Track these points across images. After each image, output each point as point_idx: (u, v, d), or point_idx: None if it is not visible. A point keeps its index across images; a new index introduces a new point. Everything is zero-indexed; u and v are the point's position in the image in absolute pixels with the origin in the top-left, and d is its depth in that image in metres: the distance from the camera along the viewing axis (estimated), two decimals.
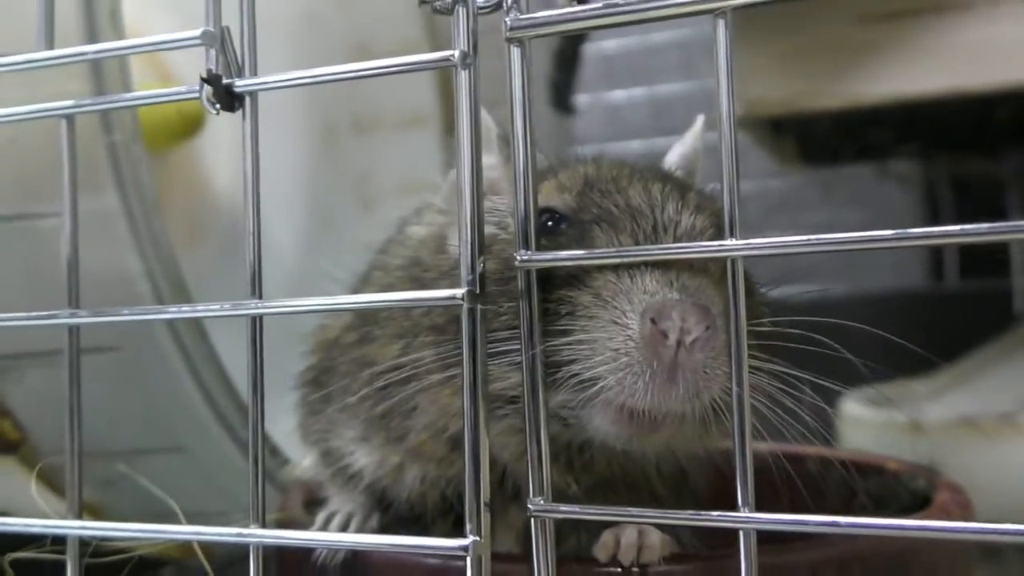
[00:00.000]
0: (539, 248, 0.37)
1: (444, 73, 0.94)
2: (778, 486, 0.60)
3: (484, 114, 0.44)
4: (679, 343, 0.36)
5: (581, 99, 1.55)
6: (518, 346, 0.37)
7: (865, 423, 1.05)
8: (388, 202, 1.13)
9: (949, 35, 0.96)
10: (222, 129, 0.93)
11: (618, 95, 1.70)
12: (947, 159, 1.49)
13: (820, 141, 1.27)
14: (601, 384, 0.38)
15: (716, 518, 0.33)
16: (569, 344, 0.38)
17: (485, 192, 0.43)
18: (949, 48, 0.97)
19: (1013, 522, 0.30)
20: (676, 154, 0.51)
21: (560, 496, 0.42)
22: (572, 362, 0.38)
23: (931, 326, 1.37)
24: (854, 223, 1.61)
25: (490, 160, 0.46)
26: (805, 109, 1.06)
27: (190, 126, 0.85)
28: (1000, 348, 1.19)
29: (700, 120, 0.52)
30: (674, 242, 0.40)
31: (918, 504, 0.52)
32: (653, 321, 0.36)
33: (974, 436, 0.97)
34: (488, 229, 0.43)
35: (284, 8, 1.07)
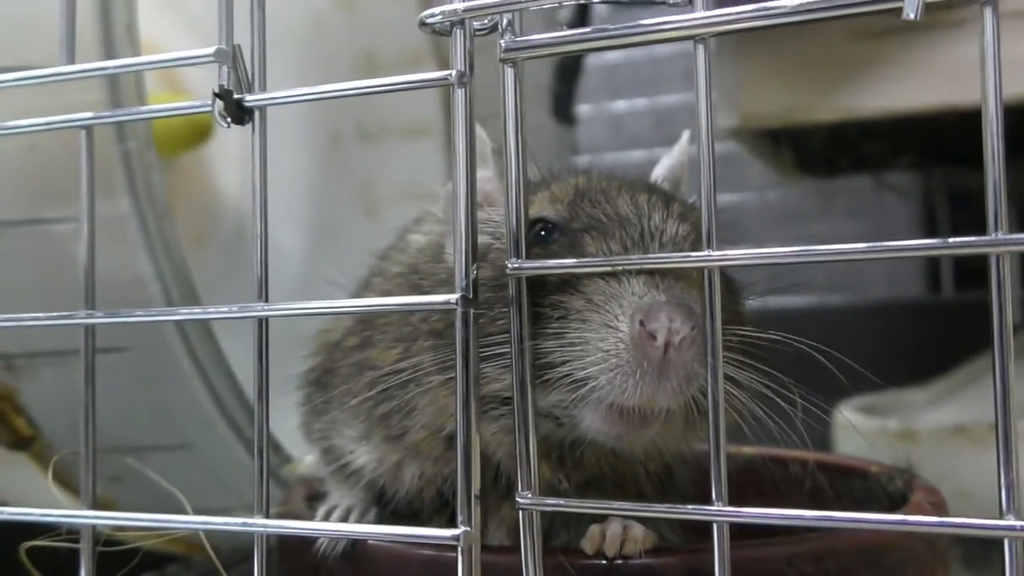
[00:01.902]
0: (533, 256, 0.39)
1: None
2: (767, 489, 0.62)
3: (480, 130, 0.46)
4: (667, 343, 0.38)
5: (583, 109, 1.57)
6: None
7: (859, 430, 1.07)
8: (391, 209, 1.15)
9: (941, 51, 0.98)
10: (230, 135, 0.96)
11: (620, 105, 1.72)
12: (943, 171, 1.51)
13: (817, 153, 1.29)
14: (593, 384, 0.40)
15: (691, 511, 0.35)
16: (562, 346, 0.40)
17: (480, 203, 0.46)
18: (941, 64, 0.99)
19: None
20: (663, 167, 0.54)
21: (551, 492, 0.45)
22: (565, 363, 0.40)
23: (927, 336, 1.39)
24: (852, 233, 1.63)
25: (485, 173, 0.48)
26: (801, 122, 1.09)
27: (199, 134, 0.88)
28: None
29: (686, 135, 0.54)
30: (659, 249, 0.42)
31: (896, 504, 0.54)
32: (642, 323, 0.38)
33: (966, 444, 0.99)
34: (483, 239, 0.45)
35: (292, 17, 1.09)
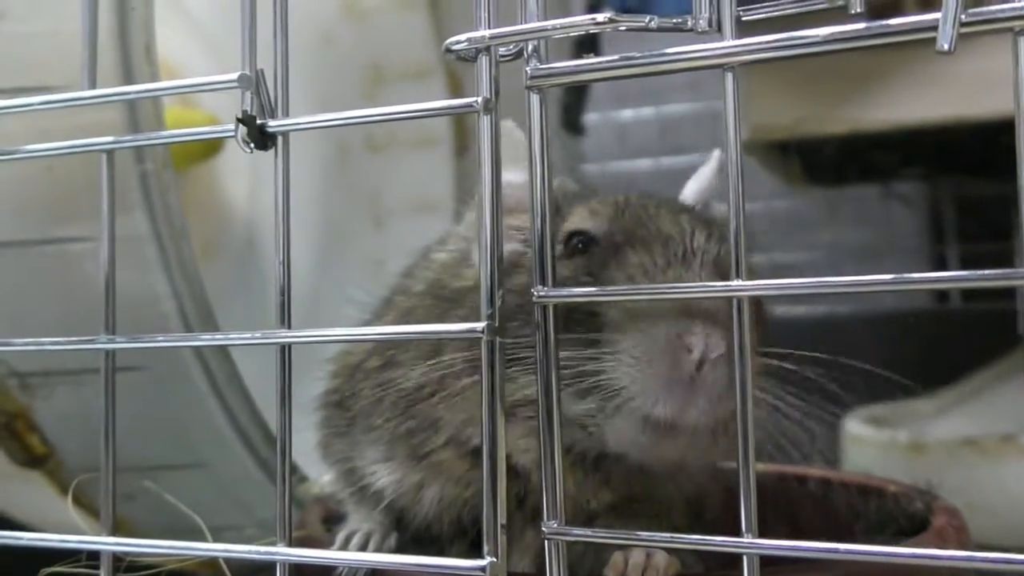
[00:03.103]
0: (567, 268, 0.41)
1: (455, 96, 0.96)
2: (782, 506, 0.62)
3: (513, 126, 0.46)
4: (702, 359, 0.38)
5: (590, 118, 1.57)
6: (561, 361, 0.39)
7: (867, 442, 1.07)
8: (399, 220, 1.15)
9: (952, 64, 0.98)
10: (239, 149, 0.95)
11: (626, 114, 1.72)
12: (951, 181, 1.51)
13: (826, 163, 1.29)
14: (625, 393, 0.40)
15: (720, 543, 0.34)
16: (597, 354, 0.40)
17: (513, 209, 0.46)
18: (952, 77, 0.99)
19: (1014, 542, 0.32)
20: (692, 190, 0.53)
21: (580, 512, 0.45)
22: (598, 373, 0.40)
23: (935, 346, 1.39)
24: (859, 242, 1.62)
25: (517, 178, 0.46)
26: (811, 134, 1.08)
27: (210, 148, 0.88)
28: (1003, 369, 1.20)
29: (715, 157, 0.54)
30: (701, 268, 0.42)
31: (916, 527, 0.54)
32: (679, 336, 0.39)
33: (976, 456, 0.98)
34: (515, 246, 0.46)
35: (301, 29, 1.09)
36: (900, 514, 0.57)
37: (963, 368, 1.22)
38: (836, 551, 0.32)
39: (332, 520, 0.56)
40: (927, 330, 1.46)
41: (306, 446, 0.59)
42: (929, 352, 1.39)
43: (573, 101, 1.30)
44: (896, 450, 1.04)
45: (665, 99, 1.68)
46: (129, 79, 0.57)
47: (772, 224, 1.57)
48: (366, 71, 1.13)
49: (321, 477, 0.63)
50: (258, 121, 0.40)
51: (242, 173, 1.06)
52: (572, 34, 0.37)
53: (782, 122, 1.08)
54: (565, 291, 0.38)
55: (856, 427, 1.09)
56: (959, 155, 1.28)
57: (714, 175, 0.53)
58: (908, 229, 1.60)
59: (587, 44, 1.01)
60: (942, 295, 1.52)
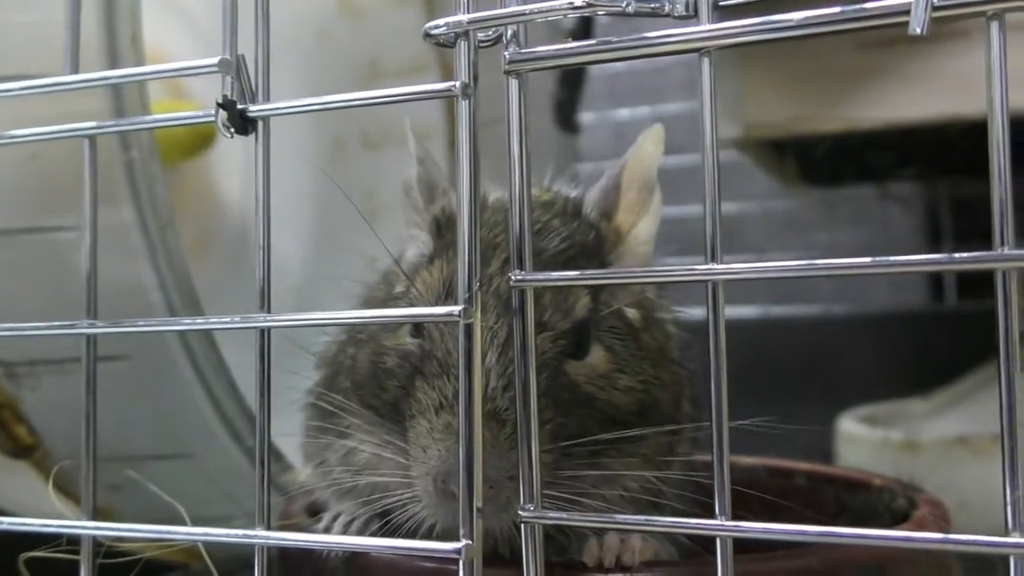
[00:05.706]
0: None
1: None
2: (769, 499, 0.62)
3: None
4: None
5: (586, 117, 1.57)
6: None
7: (861, 441, 1.07)
8: (394, 217, 1.15)
9: (945, 62, 0.98)
10: (233, 141, 0.95)
11: (623, 113, 1.71)
12: (947, 182, 1.51)
13: (821, 163, 1.29)
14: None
15: (693, 524, 0.35)
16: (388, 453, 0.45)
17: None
18: (946, 75, 0.99)
19: None
20: (598, 188, 0.53)
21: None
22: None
23: (930, 346, 1.39)
24: (856, 243, 1.62)
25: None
26: (805, 132, 1.08)
27: (203, 141, 0.88)
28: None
29: (641, 138, 0.53)
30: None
31: (900, 520, 0.54)
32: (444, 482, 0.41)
33: (970, 455, 0.98)
34: None
35: (296, 25, 1.09)
36: (884, 508, 0.57)
37: (959, 368, 1.22)
38: (807, 533, 0.32)
39: (318, 511, 0.56)
40: (923, 330, 1.46)
41: (290, 432, 0.59)
42: (924, 352, 1.39)
43: (567, 99, 1.29)
44: (890, 449, 1.04)
45: (662, 98, 1.68)
46: (115, 68, 0.57)
47: (769, 225, 1.57)
48: (361, 67, 1.13)
49: (306, 467, 0.63)
50: (239, 106, 0.40)
51: (235, 169, 1.06)
52: (551, 18, 0.37)
53: (776, 120, 1.08)
54: (543, 275, 0.38)
55: (850, 426, 1.09)
56: (954, 154, 1.28)
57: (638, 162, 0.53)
58: (904, 230, 1.60)
59: (579, 36, 1.01)
60: (937, 295, 1.52)
